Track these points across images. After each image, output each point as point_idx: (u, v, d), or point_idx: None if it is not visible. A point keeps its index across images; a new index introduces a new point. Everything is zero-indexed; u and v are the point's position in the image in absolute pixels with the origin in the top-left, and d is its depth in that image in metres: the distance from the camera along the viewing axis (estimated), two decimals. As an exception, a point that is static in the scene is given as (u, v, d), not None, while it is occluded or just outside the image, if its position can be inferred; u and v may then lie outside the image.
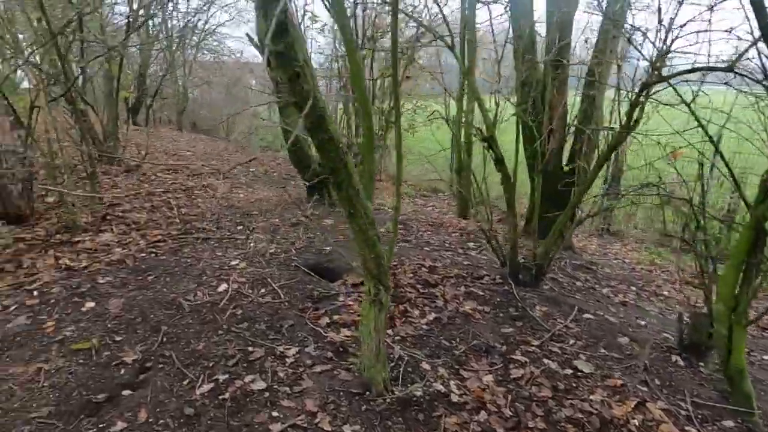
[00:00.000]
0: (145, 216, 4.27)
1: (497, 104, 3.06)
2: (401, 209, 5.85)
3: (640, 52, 2.37)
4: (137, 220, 4.12)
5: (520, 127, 3.03)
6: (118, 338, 2.31)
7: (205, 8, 12.22)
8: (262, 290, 2.86)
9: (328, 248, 3.67)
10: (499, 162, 2.75)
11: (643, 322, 2.97)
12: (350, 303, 2.72)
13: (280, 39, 1.08)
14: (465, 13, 4.91)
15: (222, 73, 13.75)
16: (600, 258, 5.07)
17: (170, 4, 11.09)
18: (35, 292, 2.73)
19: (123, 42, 5.76)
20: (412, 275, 3.16)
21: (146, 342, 2.28)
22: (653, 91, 2.25)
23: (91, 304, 2.62)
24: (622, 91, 2.99)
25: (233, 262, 3.28)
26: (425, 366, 2.13)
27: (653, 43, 2.27)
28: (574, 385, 2.13)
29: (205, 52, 13.78)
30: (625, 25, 3.57)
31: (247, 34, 3.91)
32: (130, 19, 6.64)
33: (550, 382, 2.12)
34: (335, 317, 2.54)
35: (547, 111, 3.29)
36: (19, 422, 1.77)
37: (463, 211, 5.76)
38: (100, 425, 1.73)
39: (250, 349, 2.22)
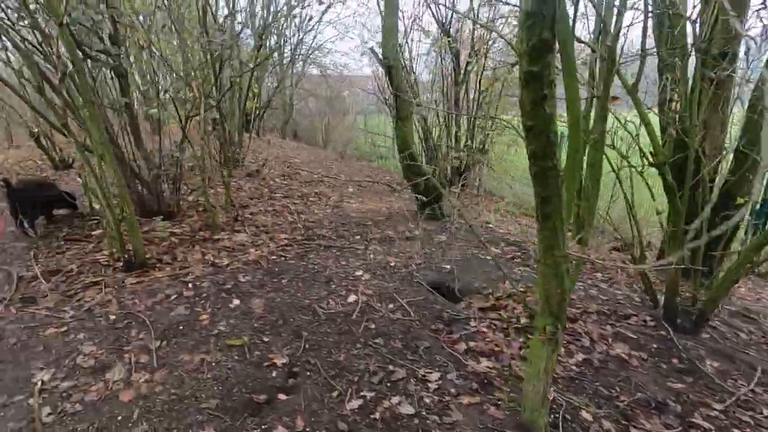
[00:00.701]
0: (270, 219, 4.55)
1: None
2: (504, 228, 5.57)
3: None
4: (264, 223, 4.41)
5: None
6: (265, 339, 2.42)
7: (316, 25, 13.02)
8: (391, 305, 2.83)
9: (448, 267, 3.57)
10: (670, 190, 2.42)
11: None
12: (484, 330, 2.58)
13: (540, 59, 0.99)
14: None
15: (327, 86, 14.53)
16: (754, 304, 4.31)
17: (290, 29, 12.03)
18: (190, 285, 3.00)
19: (256, 63, 6.31)
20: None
21: (290, 346, 2.35)
22: None
23: (237, 302, 2.80)
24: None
25: (357, 273, 3.32)
26: (586, 416, 1.91)
27: None
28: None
29: (312, 65, 14.67)
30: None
31: (372, 49, 3.98)
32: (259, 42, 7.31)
33: (743, 458, 1.77)
34: (471, 344, 2.41)
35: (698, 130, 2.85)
36: (192, 410, 1.90)
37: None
38: (263, 426, 1.79)
39: (391, 367, 2.18)
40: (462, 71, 8.02)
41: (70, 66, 2.75)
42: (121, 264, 3.22)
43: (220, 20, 5.32)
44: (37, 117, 6.56)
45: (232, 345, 2.35)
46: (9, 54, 3.90)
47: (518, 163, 8.39)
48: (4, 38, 3.18)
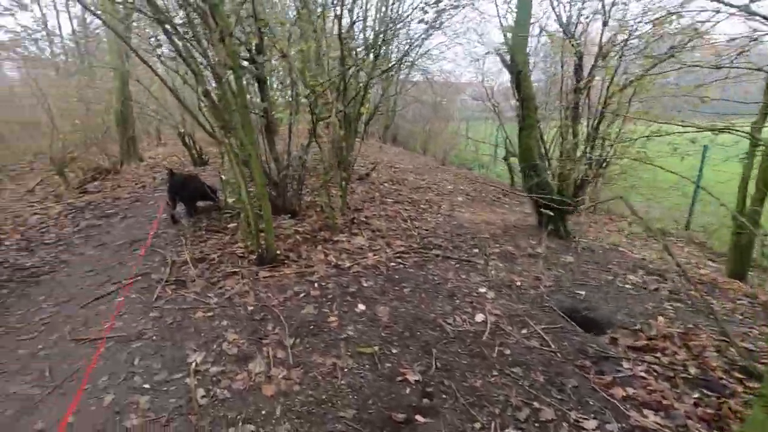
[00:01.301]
0: (384, 224, 4.55)
1: None
2: (637, 252, 4.89)
3: None
4: (379, 227, 4.42)
5: None
6: (393, 350, 2.35)
7: (428, 34, 13.05)
8: (524, 330, 2.58)
9: (582, 293, 3.19)
10: None
11: None
12: (642, 375, 2.20)
13: None
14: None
15: (433, 91, 14.49)
16: None
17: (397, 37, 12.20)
18: (316, 284, 3.07)
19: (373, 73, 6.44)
20: (717, 353, 2.43)
21: (421, 362, 2.24)
22: None
23: (362, 307, 2.78)
24: None
25: (481, 289, 3.12)
26: None
27: None
28: None
29: (418, 72, 14.75)
30: None
31: (499, 53, 3.71)
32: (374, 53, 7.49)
33: None
34: (630, 390, 2.07)
35: None
36: (330, 417, 1.88)
37: (739, 270, 4.44)
38: (405, 449, 1.69)
39: (536, 405, 1.95)
40: (586, 76, 7.28)
41: (229, 73, 3.01)
42: (255, 257, 3.43)
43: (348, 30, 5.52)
44: (184, 118, 7.52)
45: (362, 352, 2.32)
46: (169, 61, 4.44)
47: (645, 177, 7.41)
48: (171, 49, 3.61)
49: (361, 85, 5.23)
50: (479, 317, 2.70)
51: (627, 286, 3.44)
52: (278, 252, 3.49)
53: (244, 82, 4.37)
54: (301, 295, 2.93)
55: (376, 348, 2.34)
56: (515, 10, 4.63)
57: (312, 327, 2.55)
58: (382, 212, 5.01)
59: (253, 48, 4.02)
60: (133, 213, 5.04)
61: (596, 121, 7.56)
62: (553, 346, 2.41)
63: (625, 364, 2.29)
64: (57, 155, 6.33)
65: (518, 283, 3.26)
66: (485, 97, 10.89)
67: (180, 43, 3.02)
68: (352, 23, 5.92)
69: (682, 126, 6.00)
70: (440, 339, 2.46)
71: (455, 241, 4.18)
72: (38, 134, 8.01)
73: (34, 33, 10.78)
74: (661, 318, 2.85)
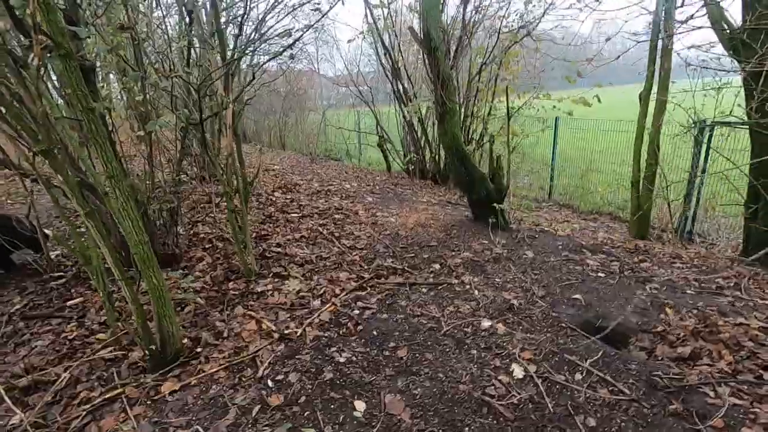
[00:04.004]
0: (308, 252, 3.50)
1: None
2: (560, 230, 4.92)
3: None
4: (305, 258, 3.35)
5: None
6: (457, 480, 1.48)
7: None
8: (577, 375, 1.99)
9: (578, 296, 2.79)
10: None
11: None
12: (736, 402, 1.81)
13: None
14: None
15: (287, 80, 13.08)
16: None
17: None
18: (270, 383, 1.94)
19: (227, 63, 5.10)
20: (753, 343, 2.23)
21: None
22: None
23: (362, 405, 1.81)
24: None
25: (484, 323, 2.43)
26: None
27: None
28: None
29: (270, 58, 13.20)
30: None
31: (411, 28, 3.05)
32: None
33: None
34: (750, 433, 1.64)
35: None
36: None
37: (643, 231, 4.79)
38: None
39: None
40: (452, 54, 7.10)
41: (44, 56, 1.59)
42: (143, 357, 2.07)
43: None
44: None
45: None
46: None
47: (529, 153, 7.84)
48: None
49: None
50: (517, 371, 2.01)
51: (599, 274, 3.20)
52: (183, 339, 2.19)
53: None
54: (254, 411, 1.79)
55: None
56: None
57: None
58: (295, 234, 3.91)
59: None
60: None
61: (466, 100, 7.56)
62: (628, 393, 1.87)
63: (706, 389, 1.89)
64: None
65: (514, 302, 2.68)
66: (350, 83, 10.26)
67: None
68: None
69: (552, 99, 6.25)
70: (499, 427, 1.68)
71: (405, 258, 3.41)
72: None
73: None
74: (668, 310, 2.61)
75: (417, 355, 2.15)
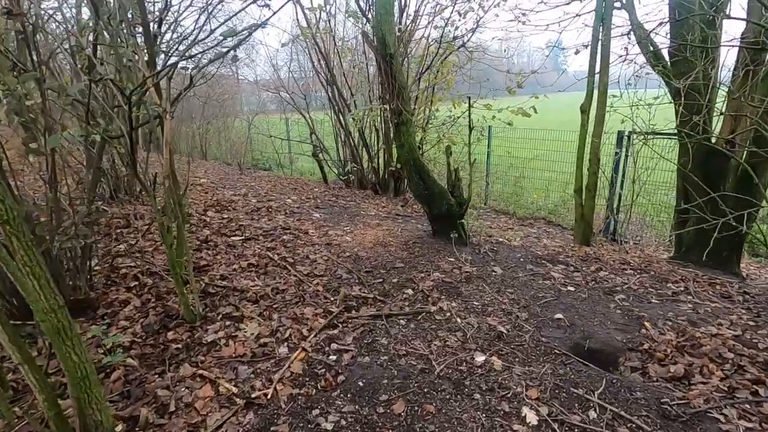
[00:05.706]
0: (261, 284, 3.03)
1: None
2: (513, 240, 4.96)
3: None
4: (258, 292, 2.89)
5: None
6: None
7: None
8: (591, 413, 1.84)
9: (560, 316, 2.70)
10: None
11: None
12: (747, 426, 1.77)
13: None
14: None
15: (208, 84, 12.02)
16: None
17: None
18: (241, 472, 1.52)
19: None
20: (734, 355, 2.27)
21: None
22: None
23: (367, 489, 1.47)
24: None
25: (478, 358, 2.21)
26: None
27: None
28: None
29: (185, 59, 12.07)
30: None
31: (364, 33, 2.84)
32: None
33: None
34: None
35: None
36: None
37: (587, 236, 4.98)
38: None
39: None
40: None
41: None
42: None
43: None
44: None
45: None
46: None
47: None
48: None
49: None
50: (530, 416, 1.81)
51: (569, 288, 3.18)
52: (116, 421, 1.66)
53: None
54: None
55: None
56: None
57: None
58: (241, 262, 3.42)
59: None
60: None
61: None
62: (647, 428, 1.74)
63: (714, 413, 1.84)
64: None
65: (501, 329, 2.50)
66: (281, 88, 9.71)
67: None
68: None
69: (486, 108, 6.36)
70: (534, 497, 1.45)
71: (374, 284, 3.11)
72: None
73: None
74: (646, 323, 2.62)
75: (416, 407, 1.85)
